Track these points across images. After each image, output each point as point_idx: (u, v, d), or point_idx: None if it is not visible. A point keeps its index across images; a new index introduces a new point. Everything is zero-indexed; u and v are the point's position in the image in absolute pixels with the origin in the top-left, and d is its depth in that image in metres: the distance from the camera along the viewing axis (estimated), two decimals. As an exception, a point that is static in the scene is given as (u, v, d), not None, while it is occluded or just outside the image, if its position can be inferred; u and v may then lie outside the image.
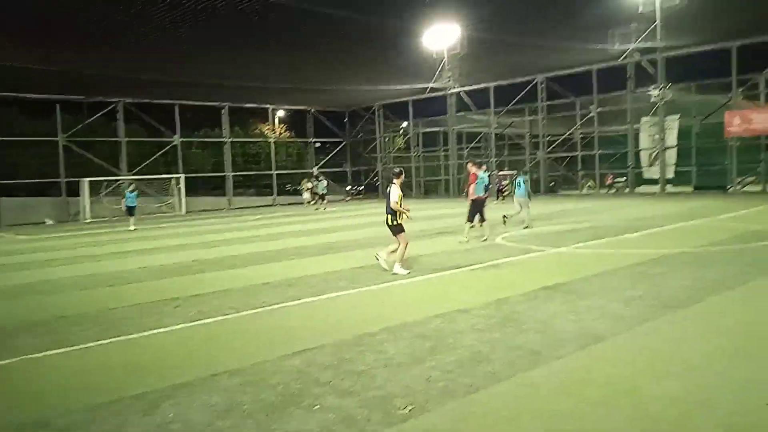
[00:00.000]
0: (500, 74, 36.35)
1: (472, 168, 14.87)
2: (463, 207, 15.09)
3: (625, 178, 35.30)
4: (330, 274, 10.71)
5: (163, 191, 36.81)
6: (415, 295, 8.77)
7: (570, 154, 38.14)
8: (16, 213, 31.98)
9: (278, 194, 43.80)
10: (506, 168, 40.74)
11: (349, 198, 46.40)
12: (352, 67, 32.60)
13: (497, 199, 30.62)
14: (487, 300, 7.90)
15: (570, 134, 36.98)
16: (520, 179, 17.75)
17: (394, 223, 10.43)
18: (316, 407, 4.52)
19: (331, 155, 48.07)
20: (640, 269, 9.65)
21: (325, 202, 34.64)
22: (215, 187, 42.74)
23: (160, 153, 38.56)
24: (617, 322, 6.52)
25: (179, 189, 36.97)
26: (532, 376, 4.99)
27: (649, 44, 29.52)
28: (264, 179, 44.65)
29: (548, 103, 36.73)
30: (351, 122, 48.36)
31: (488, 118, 39.49)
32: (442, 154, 43.71)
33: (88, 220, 32.42)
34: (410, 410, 4.37)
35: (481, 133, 43.10)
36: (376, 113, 45.58)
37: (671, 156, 32.62)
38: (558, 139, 37.56)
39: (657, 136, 31.90)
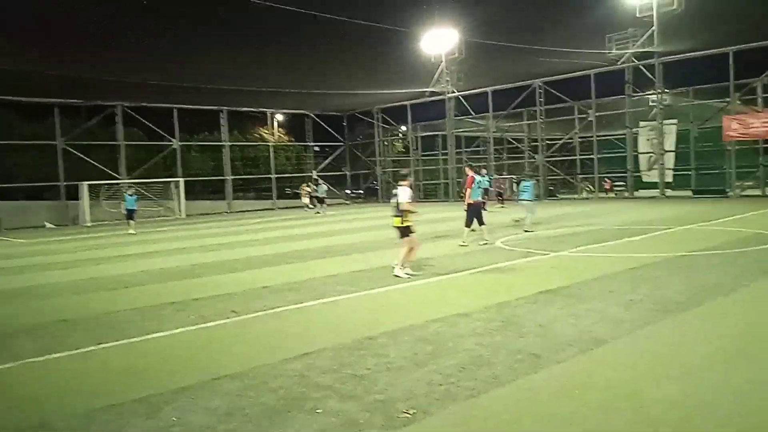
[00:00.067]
0: (498, 78, 36.43)
1: (469, 172, 14.89)
2: (461, 211, 15.09)
3: (623, 183, 35.40)
4: (330, 277, 10.72)
5: (162, 195, 36.81)
6: (415, 299, 8.77)
7: (569, 158, 38.20)
8: (16, 216, 31.93)
9: (278, 198, 43.83)
10: (505, 172, 40.81)
11: (348, 201, 46.44)
12: (351, 71, 32.66)
13: (499, 203, 30.61)
14: (487, 304, 7.91)
15: (569, 138, 37.05)
16: (527, 183, 17.78)
17: (404, 224, 10.44)
18: (317, 411, 4.52)
19: (330, 159, 48.13)
20: (640, 273, 9.67)
21: (324, 205, 34.66)
22: (215, 191, 42.75)
23: (159, 156, 38.59)
24: (617, 326, 6.54)
25: (178, 192, 36.97)
26: (533, 380, 5.00)
27: (646, 49, 29.64)
28: (263, 183, 44.66)
29: (546, 107, 36.79)
30: (350, 126, 48.44)
31: (487, 123, 39.53)
32: (441, 158, 43.77)
33: (87, 224, 32.40)
34: (412, 414, 4.38)
35: (479, 137, 43.19)
36: (375, 117, 45.65)
37: (670, 160, 32.69)
38: (557, 143, 37.63)
39: (655, 141, 31.98)
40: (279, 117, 47.19)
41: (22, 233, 27.91)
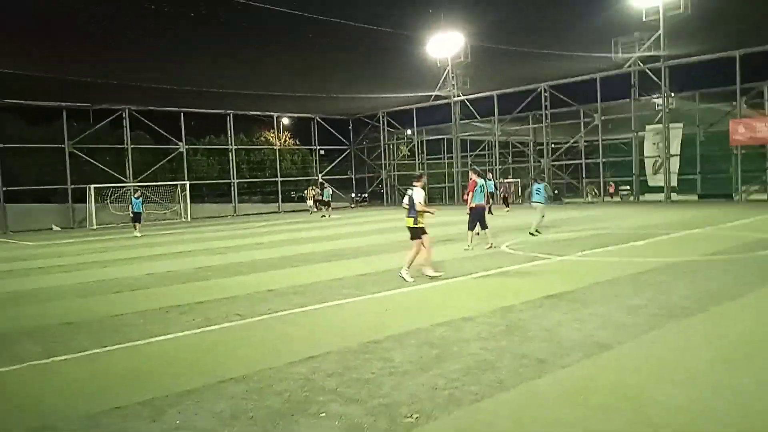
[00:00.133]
0: (504, 82, 36.44)
1: (472, 176, 14.87)
2: (465, 214, 15.08)
3: (628, 187, 35.32)
4: (335, 281, 10.72)
5: (168, 198, 36.95)
6: (420, 303, 8.77)
7: (574, 162, 38.14)
8: (23, 219, 32.13)
9: (283, 201, 43.93)
10: (510, 176, 40.78)
11: (353, 205, 46.49)
12: (357, 75, 32.74)
13: (505, 207, 30.58)
14: (492, 308, 7.90)
15: (574, 142, 37.00)
16: (539, 186, 17.77)
17: (418, 225, 10.44)
18: (321, 415, 4.53)
19: (335, 162, 48.21)
20: (645, 278, 9.64)
21: (330, 209, 34.73)
22: (220, 194, 42.90)
23: (165, 160, 38.76)
24: (622, 331, 6.52)
25: (184, 196, 37.10)
26: (538, 385, 4.99)
27: (652, 53, 29.59)
28: (269, 186, 44.76)
29: (552, 111, 36.75)
30: (355, 130, 48.52)
31: (492, 126, 39.55)
32: (446, 161, 43.76)
33: (94, 227, 32.53)
34: (416, 418, 4.37)
35: (485, 140, 43.19)
36: (381, 121, 45.70)
37: (675, 164, 32.61)
38: (562, 147, 37.57)
39: (660, 145, 31.90)
40: (285, 120, 47.34)
41: (28, 236, 28.05)
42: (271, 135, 47.11)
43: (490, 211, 23.03)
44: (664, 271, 10.15)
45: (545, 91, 36.06)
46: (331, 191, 36.52)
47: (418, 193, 10.43)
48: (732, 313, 7.28)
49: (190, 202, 37.40)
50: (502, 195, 33.16)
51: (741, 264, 10.70)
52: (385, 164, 46.78)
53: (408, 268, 10.42)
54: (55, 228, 32.38)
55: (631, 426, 4.14)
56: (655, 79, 31.00)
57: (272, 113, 43.95)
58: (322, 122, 46.10)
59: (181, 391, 5.19)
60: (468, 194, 14.77)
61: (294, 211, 41.95)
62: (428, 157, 46.22)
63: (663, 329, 6.55)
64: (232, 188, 41.50)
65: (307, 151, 48.64)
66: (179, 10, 20.09)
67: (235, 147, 42.06)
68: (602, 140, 35.04)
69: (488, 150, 42.82)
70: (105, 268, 14.46)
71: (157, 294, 10.33)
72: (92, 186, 33.33)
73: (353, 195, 48.77)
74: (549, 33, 26.48)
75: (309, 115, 45.40)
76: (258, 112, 43.21)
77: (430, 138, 45.84)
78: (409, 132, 46.99)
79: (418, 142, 45.49)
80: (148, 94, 32.08)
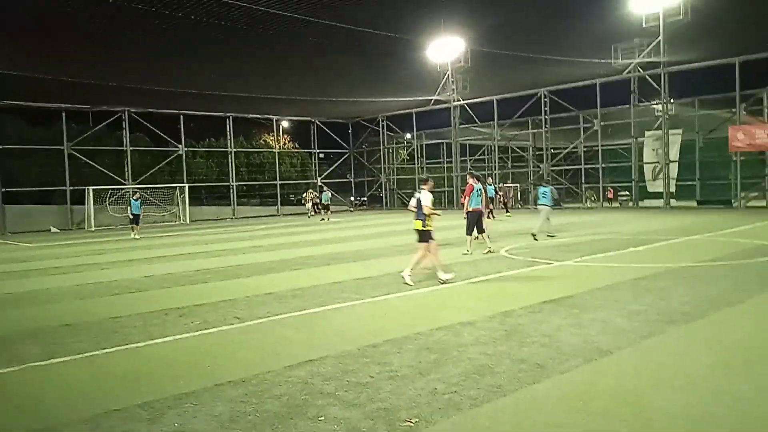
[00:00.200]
0: (504, 87, 36.51)
1: (469, 180, 14.88)
2: (463, 219, 15.10)
3: (627, 192, 35.35)
4: (334, 284, 10.72)
5: (167, 200, 36.95)
6: (419, 307, 8.76)
7: (574, 167, 38.18)
8: (21, 220, 32.13)
9: (282, 204, 43.94)
10: (509, 180, 40.82)
11: (353, 209, 46.50)
12: (357, 79, 32.79)
13: (506, 212, 30.60)
14: (491, 312, 7.90)
15: (573, 147, 37.04)
16: (545, 189, 17.83)
17: (425, 228, 10.45)
18: (321, 419, 4.52)
19: (335, 166, 48.24)
20: (644, 283, 9.64)
21: (329, 212, 34.73)
22: (219, 197, 42.90)
23: (164, 162, 38.76)
24: (621, 336, 6.52)
25: (183, 198, 37.09)
26: (537, 390, 4.98)
27: (652, 59, 29.66)
28: (268, 189, 44.77)
29: (552, 116, 36.80)
30: (355, 133, 48.58)
31: (492, 131, 39.60)
32: (446, 166, 43.79)
33: (92, 229, 32.51)
34: (415, 423, 4.37)
35: (484, 145, 43.24)
36: (380, 124, 45.75)
37: (673, 170, 32.68)
38: (562, 152, 37.61)
39: (660, 151, 31.95)
40: (284, 124, 47.41)
41: (27, 237, 28.02)
42: (271, 138, 47.15)
43: (491, 216, 23.05)
44: (663, 277, 10.15)
45: (545, 96, 36.13)
46: (330, 195, 36.54)
47: (425, 196, 10.47)
48: (731, 319, 7.28)
49: (189, 205, 37.40)
50: (501, 200, 33.17)
51: (740, 270, 10.71)
52: (385, 168, 46.82)
53: (411, 270, 10.43)
54: (53, 229, 32.35)
55: (632, 431, 4.13)
56: (655, 85, 31.06)
57: (272, 116, 44.00)
58: (322, 126, 46.16)
59: (180, 394, 5.18)
60: (465, 198, 14.78)
61: (293, 214, 41.95)
62: (427, 161, 46.28)
63: (663, 335, 6.55)
64: (231, 191, 41.51)
65: (306, 155, 48.69)
66: (181, 14, 20.11)
67: (235, 150, 42.10)
68: (602, 146, 35.09)
69: (488, 155, 42.89)
70: (104, 270, 14.45)
71: (155, 296, 10.32)
72: (91, 188, 33.32)
73: (352, 198, 48.80)
74: (549, 38, 26.54)
75: (308, 118, 45.46)
76: (257, 115, 43.26)
77: (430, 142, 45.91)
78: (408, 136, 47.07)
79: (417, 146, 45.55)
80: (148, 96, 32.13)
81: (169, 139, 38.51)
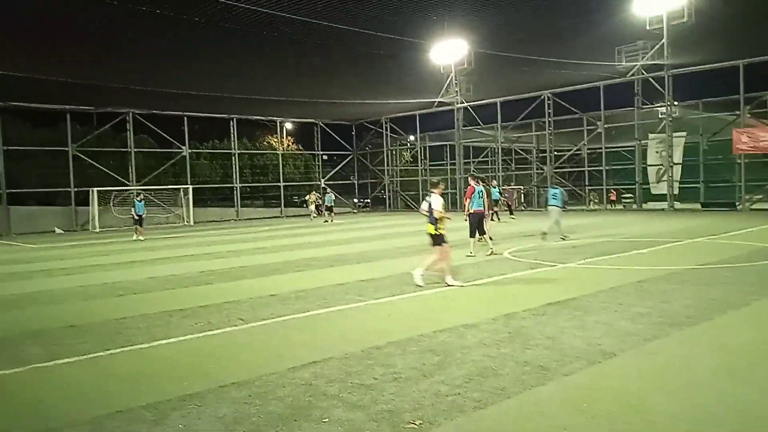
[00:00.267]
0: (507, 89, 36.49)
1: (471, 182, 14.87)
2: (464, 221, 15.09)
3: (630, 195, 35.31)
4: (337, 286, 10.73)
5: (171, 202, 37.03)
6: (422, 309, 8.76)
7: (577, 170, 38.12)
8: (25, 222, 32.24)
9: (286, 206, 43.99)
10: (513, 182, 40.79)
11: (356, 210, 46.52)
12: (361, 81, 32.80)
13: (510, 215, 30.59)
14: (495, 315, 7.90)
15: (577, 150, 36.99)
16: (556, 191, 17.86)
17: (437, 231, 10.45)
18: (324, 420, 4.53)
19: (338, 168, 48.28)
20: (648, 286, 9.63)
21: (332, 214, 34.76)
22: (223, 198, 42.97)
23: (168, 164, 38.85)
24: (625, 339, 6.51)
25: (187, 200, 37.16)
26: (541, 392, 4.98)
27: (656, 62, 29.61)
28: (272, 191, 44.84)
29: (555, 118, 36.77)
30: (358, 135, 48.64)
31: (495, 133, 39.58)
32: (449, 168, 43.79)
33: (97, 230, 32.60)
34: (419, 425, 4.37)
35: (487, 147, 43.22)
36: (384, 126, 45.78)
37: (677, 173, 32.63)
38: (565, 155, 37.56)
39: (663, 153, 31.89)
40: (288, 125, 47.46)
41: (32, 238, 28.10)
42: (274, 140, 47.22)
43: (495, 218, 23.04)
44: (667, 280, 10.13)
45: (548, 98, 36.11)
46: (333, 196, 36.58)
47: (436, 200, 10.47)
48: (735, 323, 7.27)
49: (193, 206, 37.48)
50: (505, 202, 33.14)
51: (744, 273, 10.68)
52: (388, 170, 46.84)
53: (424, 270, 10.44)
54: (57, 231, 32.45)
55: (635, 434, 4.14)
56: (659, 87, 31.01)
57: (275, 118, 44.07)
58: (325, 127, 46.23)
59: (184, 395, 5.19)
60: (466, 200, 14.78)
61: (297, 215, 42.01)
62: (431, 163, 46.29)
63: (666, 338, 6.54)
64: (235, 192, 41.58)
65: (309, 156, 48.73)
66: (185, 16, 20.15)
67: (239, 151, 42.18)
68: (605, 148, 35.05)
69: (491, 157, 42.88)
70: (108, 271, 14.48)
71: (159, 297, 10.34)
72: (95, 189, 33.42)
73: (356, 200, 48.84)
74: (553, 41, 26.51)
75: (312, 120, 45.53)
76: (261, 117, 43.32)
77: (433, 144, 45.93)
78: (412, 138, 47.09)
79: (420, 148, 45.55)
80: (152, 98, 32.20)
81: (173, 141, 38.61)
